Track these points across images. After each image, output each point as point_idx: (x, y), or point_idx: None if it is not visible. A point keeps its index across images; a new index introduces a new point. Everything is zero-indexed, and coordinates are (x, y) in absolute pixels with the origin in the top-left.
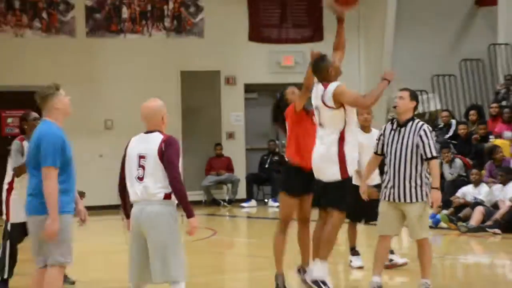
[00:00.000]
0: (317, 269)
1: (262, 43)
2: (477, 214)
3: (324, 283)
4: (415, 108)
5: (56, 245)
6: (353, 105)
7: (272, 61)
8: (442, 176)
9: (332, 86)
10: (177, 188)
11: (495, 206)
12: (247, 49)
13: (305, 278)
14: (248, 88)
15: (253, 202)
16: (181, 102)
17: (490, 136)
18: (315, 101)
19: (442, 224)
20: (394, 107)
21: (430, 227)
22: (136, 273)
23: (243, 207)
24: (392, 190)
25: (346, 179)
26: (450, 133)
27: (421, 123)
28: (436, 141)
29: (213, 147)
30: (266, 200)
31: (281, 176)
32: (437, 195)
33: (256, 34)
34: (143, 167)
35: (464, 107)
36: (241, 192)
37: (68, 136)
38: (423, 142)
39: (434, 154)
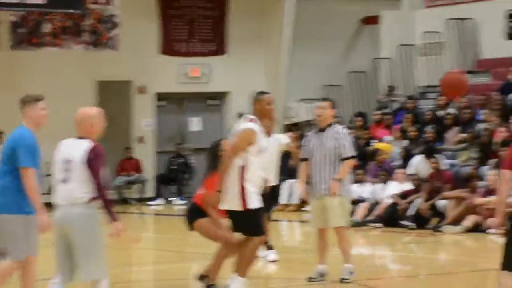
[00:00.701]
0: (236, 284)
1: (172, 56)
2: (361, 210)
3: None
4: (334, 115)
5: (20, 242)
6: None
7: (180, 72)
8: None
9: (241, 126)
10: (100, 195)
11: (378, 203)
12: (158, 61)
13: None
14: (159, 97)
15: (160, 201)
16: None
17: (372, 140)
18: None
19: None
20: (319, 115)
21: None
22: (63, 272)
23: (151, 205)
24: (317, 187)
25: (247, 210)
26: None
27: (338, 126)
28: None
29: (124, 150)
30: (171, 199)
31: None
32: (335, 185)
33: (167, 48)
34: (68, 171)
35: (350, 114)
36: (149, 191)
37: None
38: (340, 144)
39: (349, 155)
